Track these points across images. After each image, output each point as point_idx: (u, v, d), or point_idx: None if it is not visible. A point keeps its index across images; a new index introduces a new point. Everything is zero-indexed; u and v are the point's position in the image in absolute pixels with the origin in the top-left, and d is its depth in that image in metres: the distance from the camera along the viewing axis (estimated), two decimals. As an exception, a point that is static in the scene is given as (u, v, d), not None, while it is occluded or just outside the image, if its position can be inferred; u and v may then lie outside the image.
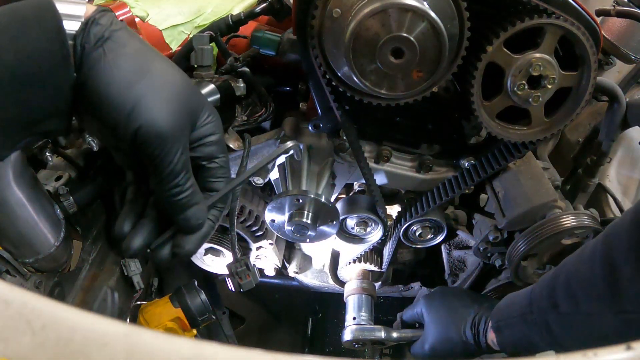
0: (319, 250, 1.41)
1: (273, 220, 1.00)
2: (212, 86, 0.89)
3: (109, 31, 0.52)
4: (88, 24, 0.51)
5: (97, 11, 0.52)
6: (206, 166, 0.62)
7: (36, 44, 0.48)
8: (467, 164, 0.97)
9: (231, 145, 0.93)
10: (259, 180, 1.03)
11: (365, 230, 1.10)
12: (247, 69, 0.94)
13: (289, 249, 1.44)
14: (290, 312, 1.80)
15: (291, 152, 0.74)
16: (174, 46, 1.03)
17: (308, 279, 1.47)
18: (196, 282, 1.22)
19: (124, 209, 0.62)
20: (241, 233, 1.21)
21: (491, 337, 0.94)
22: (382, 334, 1.19)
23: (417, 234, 1.10)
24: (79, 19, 0.51)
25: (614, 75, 1.07)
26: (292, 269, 1.44)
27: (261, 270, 1.31)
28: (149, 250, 0.62)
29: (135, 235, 0.60)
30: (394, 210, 1.20)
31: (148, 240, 0.61)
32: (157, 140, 0.53)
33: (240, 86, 0.93)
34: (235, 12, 1.03)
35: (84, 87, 0.51)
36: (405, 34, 0.67)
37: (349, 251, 1.28)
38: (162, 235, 0.62)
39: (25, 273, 0.93)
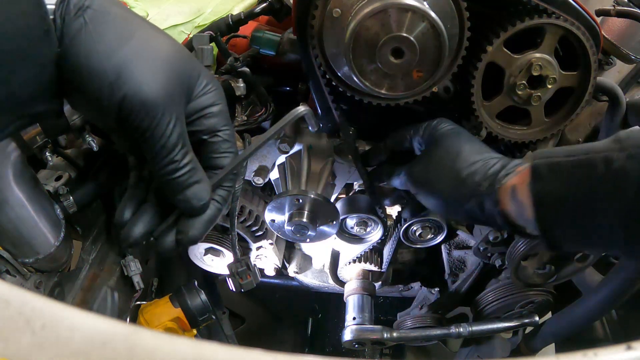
0: (319, 250, 1.41)
1: (273, 220, 1.00)
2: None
3: (89, 0, 0.48)
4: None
5: None
6: (208, 141, 0.56)
7: (15, 21, 0.44)
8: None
9: (231, 145, 0.93)
10: (259, 180, 1.03)
11: (365, 230, 1.09)
12: (247, 69, 0.94)
13: (289, 249, 1.44)
14: (290, 312, 1.80)
15: (304, 114, 0.66)
16: (174, 46, 1.02)
17: (308, 279, 1.47)
18: (196, 282, 1.22)
19: (125, 195, 0.57)
20: (241, 233, 1.21)
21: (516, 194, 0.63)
22: (382, 334, 1.19)
23: (417, 234, 1.10)
24: None
25: (614, 75, 1.07)
26: (292, 269, 1.44)
27: (261, 270, 1.31)
28: (152, 239, 0.56)
29: (136, 222, 0.55)
30: (394, 210, 1.20)
31: (150, 227, 0.55)
32: (144, 109, 0.48)
33: (240, 86, 0.93)
34: (235, 12, 1.03)
35: (67, 61, 0.48)
36: (405, 34, 0.67)
37: (349, 251, 1.28)
38: (164, 221, 0.56)
39: (25, 273, 0.93)
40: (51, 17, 0.47)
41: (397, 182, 0.83)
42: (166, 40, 0.53)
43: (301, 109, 0.65)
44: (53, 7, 0.47)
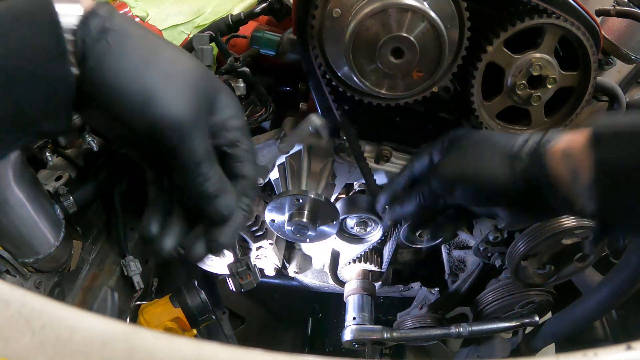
0: (319, 250, 1.41)
1: (273, 220, 1.00)
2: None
3: (109, 22, 0.49)
4: (88, 16, 0.48)
5: (95, 4, 0.49)
6: (230, 152, 0.58)
7: (29, 40, 0.45)
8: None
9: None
10: (259, 180, 1.03)
11: (365, 230, 1.09)
12: (247, 69, 0.94)
13: (289, 249, 1.44)
14: (290, 312, 1.80)
15: (317, 125, 0.69)
16: (174, 46, 1.02)
17: (308, 279, 1.47)
18: (196, 282, 1.22)
19: (149, 210, 0.58)
20: (241, 233, 1.21)
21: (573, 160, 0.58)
22: (382, 334, 1.19)
23: (417, 234, 1.10)
24: (77, 12, 0.48)
25: (614, 75, 1.07)
26: (292, 269, 1.44)
27: (261, 270, 1.31)
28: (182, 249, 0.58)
29: (166, 236, 0.56)
30: (394, 210, 1.20)
31: (180, 239, 0.57)
32: (175, 129, 0.50)
33: (240, 86, 0.93)
34: (235, 12, 1.03)
35: (91, 83, 0.48)
36: (405, 34, 0.67)
37: (349, 251, 1.28)
38: (194, 231, 0.58)
39: (25, 273, 0.93)
40: (70, 38, 0.47)
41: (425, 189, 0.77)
42: (189, 59, 0.55)
43: (316, 120, 0.70)
44: (70, 27, 0.47)
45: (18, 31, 0.45)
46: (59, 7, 0.47)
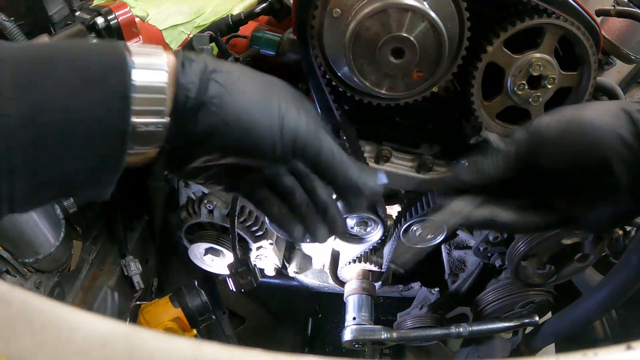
0: (319, 250, 1.41)
1: (273, 220, 1.00)
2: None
3: (203, 62, 0.49)
4: (184, 66, 0.48)
5: (182, 53, 0.49)
6: None
7: (93, 109, 0.44)
8: (467, 164, 0.97)
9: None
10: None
11: (365, 230, 1.09)
12: (247, 69, 0.94)
13: (289, 249, 1.44)
14: (290, 312, 1.80)
15: None
16: (174, 46, 1.03)
17: (308, 279, 1.47)
18: (196, 282, 1.22)
19: (281, 219, 0.63)
20: (241, 233, 1.21)
21: None
22: (382, 334, 1.19)
23: (417, 234, 1.10)
24: (162, 67, 0.47)
25: (614, 75, 1.07)
26: (292, 269, 1.44)
27: (261, 270, 1.31)
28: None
29: (339, 224, 0.63)
30: (394, 210, 1.20)
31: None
32: (314, 138, 0.53)
33: (240, 86, 0.93)
34: (235, 12, 1.03)
35: (215, 122, 0.49)
36: (405, 34, 0.67)
37: (349, 251, 1.28)
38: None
39: (25, 273, 0.93)
40: (162, 96, 0.46)
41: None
42: (275, 78, 0.57)
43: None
44: (160, 84, 0.46)
45: (84, 90, 0.43)
46: (138, 59, 0.46)
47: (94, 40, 0.49)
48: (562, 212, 0.65)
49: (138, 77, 0.45)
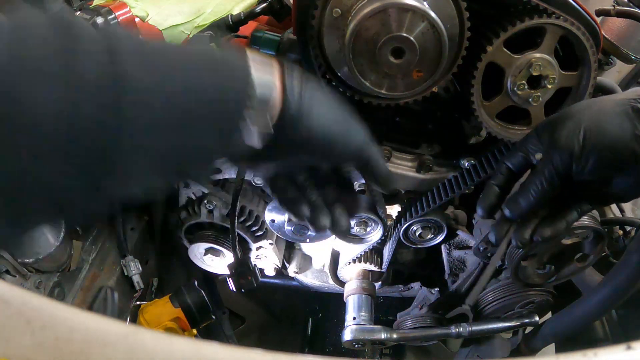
0: (319, 250, 1.41)
1: (273, 220, 1.00)
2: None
3: (305, 81, 0.56)
4: (287, 81, 0.55)
5: (286, 65, 0.56)
6: None
7: (221, 86, 0.49)
8: (467, 164, 0.97)
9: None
10: (259, 181, 1.03)
11: (365, 230, 1.09)
12: (247, 69, 0.94)
13: (289, 249, 1.44)
14: (290, 312, 1.80)
15: None
16: (174, 46, 1.02)
17: (308, 279, 1.47)
18: (196, 282, 1.22)
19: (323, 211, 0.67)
20: (241, 233, 1.21)
21: None
22: (382, 334, 1.19)
23: (417, 234, 1.10)
24: (274, 84, 0.54)
25: (614, 75, 1.07)
26: (292, 269, 1.44)
27: (261, 270, 1.31)
28: None
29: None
30: (394, 210, 1.20)
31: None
32: (370, 142, 0.63)
33: (240, 86, 0.93)
34: (235, 12, 1.03)
35: (304, 130, 0.56)
36: (405, 34, 0.67)
37: (349, 251, 1.28)
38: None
39: (25, 273, 0.93)
40: (271, 106, 0.53)
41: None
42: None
43: None
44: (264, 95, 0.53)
45: (213, 74, 0.49)
46: (257, 75, 0.52)
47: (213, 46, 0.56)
48: (592, 197, 0.72)
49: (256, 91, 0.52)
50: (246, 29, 1.03)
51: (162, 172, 0.50)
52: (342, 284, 1.36)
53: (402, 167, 1.00)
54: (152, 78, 0.45)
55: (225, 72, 0.50)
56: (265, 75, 0.53)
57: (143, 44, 0.47)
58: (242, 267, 1.10)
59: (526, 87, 0.77)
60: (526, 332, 1.25)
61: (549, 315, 1.21)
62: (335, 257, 1.37)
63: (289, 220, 0.97)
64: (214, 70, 0.49)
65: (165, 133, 0.46)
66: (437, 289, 1.33)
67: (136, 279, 1.25)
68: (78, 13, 1.00)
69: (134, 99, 0.43)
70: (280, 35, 0.98)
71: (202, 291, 1.17)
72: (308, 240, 1.01)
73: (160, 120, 0.45)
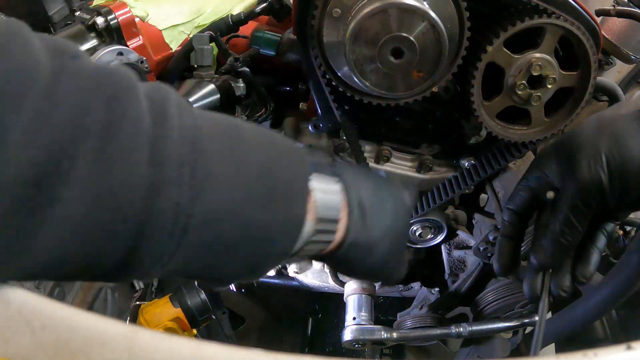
0: (319, 250, 1.40)
1: (273, 220, 1.00)
2: (212, 86, 0.89)
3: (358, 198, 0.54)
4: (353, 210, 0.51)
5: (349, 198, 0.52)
6: None
7: (269, 229, 0.44)
8: (467, 164, 0.97)
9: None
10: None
11: (365, 230, 1.09)
12: (247, 69, 0.94)
13: (289, 249, 1.44)
14: (290, 312, 1.80)
15: None
16: (174, 46, 1.03)
17: (308, 279, 1.47)
18: (196, 282, 1.22)
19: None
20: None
21: None
22: (382, 334, 1.19)
23: (417, 234, 1.10)
24: (338, 205, 0.50)
25: (614, 75, 1.07)
26: (292, 269, 1.44)
27: (261, 270, 1.30)
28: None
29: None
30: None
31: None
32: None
33: (240, 86, 0.93)
34: (235, 12, 1.03)
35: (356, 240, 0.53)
36: (405, 34, 0.67)
37: (349, 251, 1.28)
38: None
39: (25, 273, 0.93)
40: (331, 231, 0.50)
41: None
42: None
43: None
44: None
45: (267, 208, 0.44)
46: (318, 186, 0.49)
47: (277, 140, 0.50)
48: (614, 216, 0.67)
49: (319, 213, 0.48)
50: (246, 29, 1.03)
51: (181, 277, 0.47)
52: (342, 284, 1.36)
53: (402, 167, 1.00)
54: (193, 195, 0.39)
55: (281, 214, 0.45)
56: (329, 204, 0.49)
57: (196, 147, 0.40)
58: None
59: (526, 87, 0.77)
60: (526, 332, 1.25)
61: (549, 315, 1.21)
62: (335, 257, 1.37)
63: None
64: (271, 206, 0.44)
65: (196, 257, 0.42)
66: (437, 289, 1.33)
67: (136, 279, 1.25)
68: (78, 13, 1.00)
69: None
70: (280, 35, 0.98)
71: (202, 291, 1.17)
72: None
73: (194, 248, 0.41)
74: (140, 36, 0.99)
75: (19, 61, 0.32)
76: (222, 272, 0.46)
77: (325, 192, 0.49)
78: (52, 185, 0.32)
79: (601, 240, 0.68)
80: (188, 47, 0.96)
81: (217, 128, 0.43)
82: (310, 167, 0.48)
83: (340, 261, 0.52)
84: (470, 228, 1.12)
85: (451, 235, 1.17)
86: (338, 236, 0.50)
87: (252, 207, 0.42)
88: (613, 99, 0.97)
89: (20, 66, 0.32)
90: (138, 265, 0.39)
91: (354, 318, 1.24)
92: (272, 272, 1.35)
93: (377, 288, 1.34)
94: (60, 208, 0.33)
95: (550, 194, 0.65)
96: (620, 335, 1.26)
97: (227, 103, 0.91)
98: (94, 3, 1.02)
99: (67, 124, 0.33)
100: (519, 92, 0.78)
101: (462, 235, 1.17)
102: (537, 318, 1.12)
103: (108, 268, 0.39)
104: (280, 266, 1.35)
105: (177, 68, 1.01)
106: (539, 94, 0.78)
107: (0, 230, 0.32)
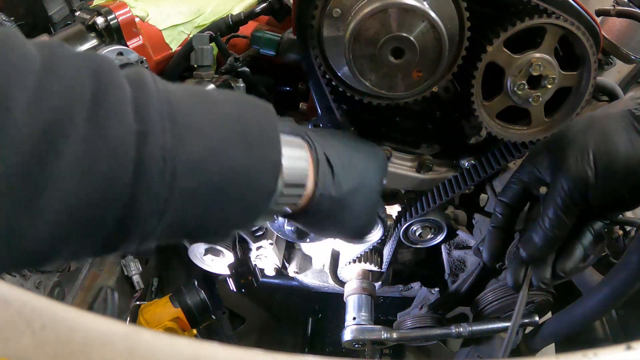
0: (319, 250, 1.41)
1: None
2: (211, 86, 0.89)
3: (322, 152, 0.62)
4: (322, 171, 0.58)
5: (313, 149, 0.61)
6: None
7: (249, 170, 0.50)
8: (467, 164, 0.97)
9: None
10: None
11: (365, 230, 1.09)
12: (247, 69, 0.94)
13: (289, 249, 1.44)
14: (290, 312, 1.80)
15: None
16: (174, 46, 1.03)
17: (308, 279, 1.47)
18: (196, 282, 1.22)
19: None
20: (241, 233, 1.21)
21: None
22: (382, 334, 1.19)
23: (417, 234, 1.10)
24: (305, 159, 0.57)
25: (614, 75, 1.07)
26: (292, 269, 1.44)
27: (261, 270, 1.31)
28: None
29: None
30: (394, 210, 1.20)
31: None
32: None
33: (240, 86, 0.93)
34: (235, 12, 1.04)
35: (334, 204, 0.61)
36: (405, 34, 0.67)
37: (349, 251, 1.28)
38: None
39: (26, 273, 0.93)
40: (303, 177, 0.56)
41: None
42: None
43: None
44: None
45: (247, 156, 0.49)
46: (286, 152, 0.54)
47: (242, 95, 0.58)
48: (603, 215, 0.70)
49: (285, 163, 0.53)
50: (246, 29, 1.03)
51: (179, 236, 0.50)
52: (342, 284, 1.36)
53: (402, 167, 1.00)
54: (176, 142, 0.44)
55: (258, 156, 0.50)
56: (297, 163, 0.55)
57: (172, 105, 0.46)
58: (242, 267, 1.10)
59: (526, 87, 0.77)
60: (526, 332, 1.25)
61: (549, 315, 1.21)
62: (335, 257, 1.37)
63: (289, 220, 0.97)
64: (248, 150, 0.49)
65: (189, 205, 0.46)
66: (437, 289, 1.33)
67: (136, 278, 1.25)
68: (78, 13, 1.00)
69: (156, 164, 0.43)
70: (280, 35, 0.98)
71: (202, 291, 1.17)
72: (308, 240, 1.01)
73: (185, 195, 0.45)
74: (140, 36, 0.99)
75: (18, 50, 0.39)
76: (217, 220, 0.50)
77: (291, 158, 0.55)
78: (57, 142, 0.38)
79: (587, 238, 0.69)
80: (188, 47, 0.96)
81: (188, 91, 0.49)
82: (276, 116, 0.54)
83: (312, 214, 0.57)
84: (470, 228, 1.12)
85: (451, 235, 1.17)
86: (307, 191, 0.56)
87: (231, 152, 0.48)
88: (613, 99, 0.97)
89: (19, 53, 0.39)
90: (137, 216, 0.43)
91: (354, 318, 1.24)
92: (272, 272, 1.35)
93: (377, 288, 1.34)
94: (65, 161, 0.38)
95: (543, 189, 0.66)
96: (620, 335, 1.26)
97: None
98: (94, 3, 1.02)
99: (65, 92, 0.40)
100: (519, 92, 0.78)
101: (462, 235, 1.17)
102: (537, 318, 1.13)
103: (110, 225, 0.42)
104: (279, 266, 1.35)
105: (177, 68, 1.01)
106: (539, 94, 0.78)
107: (16, 183, 0.37)
